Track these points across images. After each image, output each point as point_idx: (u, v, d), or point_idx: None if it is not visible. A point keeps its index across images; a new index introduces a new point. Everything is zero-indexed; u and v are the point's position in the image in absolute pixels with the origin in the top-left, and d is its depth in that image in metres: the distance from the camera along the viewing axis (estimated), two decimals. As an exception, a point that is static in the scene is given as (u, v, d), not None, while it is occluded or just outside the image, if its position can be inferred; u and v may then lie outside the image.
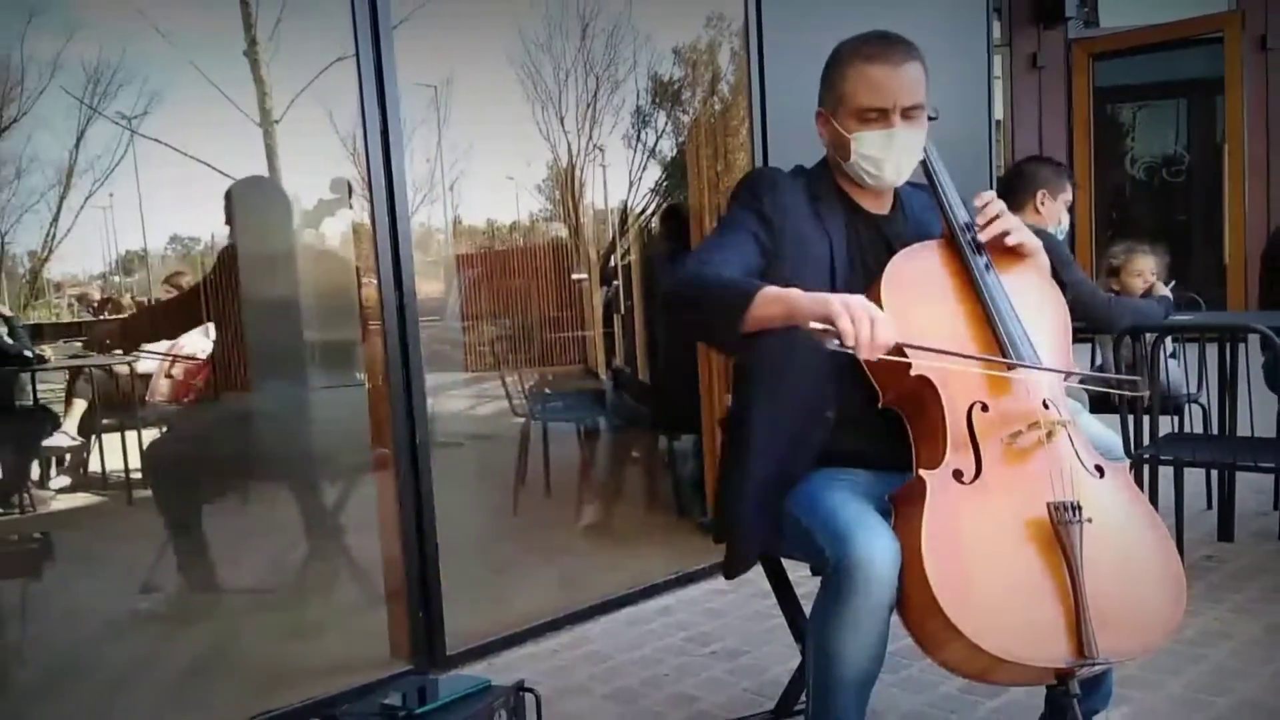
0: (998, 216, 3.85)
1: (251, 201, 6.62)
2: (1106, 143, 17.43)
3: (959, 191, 3.97)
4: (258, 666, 5.81)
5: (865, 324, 3.23)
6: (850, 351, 3.23)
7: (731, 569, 4.07)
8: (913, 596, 3.36)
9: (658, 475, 8.87)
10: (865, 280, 3.75)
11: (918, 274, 3.66)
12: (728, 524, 4.04)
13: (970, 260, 3.80)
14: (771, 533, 3.91)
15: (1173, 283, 6.91)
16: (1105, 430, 4.13)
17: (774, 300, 3.44)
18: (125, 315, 9.05)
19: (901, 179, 3.91)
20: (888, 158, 3.82)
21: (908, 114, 3.80)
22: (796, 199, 3.89)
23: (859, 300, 3.29)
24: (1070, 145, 16.42)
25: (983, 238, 3.83)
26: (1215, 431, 6.92)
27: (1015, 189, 6.56)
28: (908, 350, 3.46)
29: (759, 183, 3.99)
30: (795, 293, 3.43)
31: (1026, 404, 3.63)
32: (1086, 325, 6.35)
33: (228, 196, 6.49)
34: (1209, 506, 7.53)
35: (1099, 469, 3.66)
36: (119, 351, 8.65)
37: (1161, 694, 4.87)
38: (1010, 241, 3.85)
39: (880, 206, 4.04)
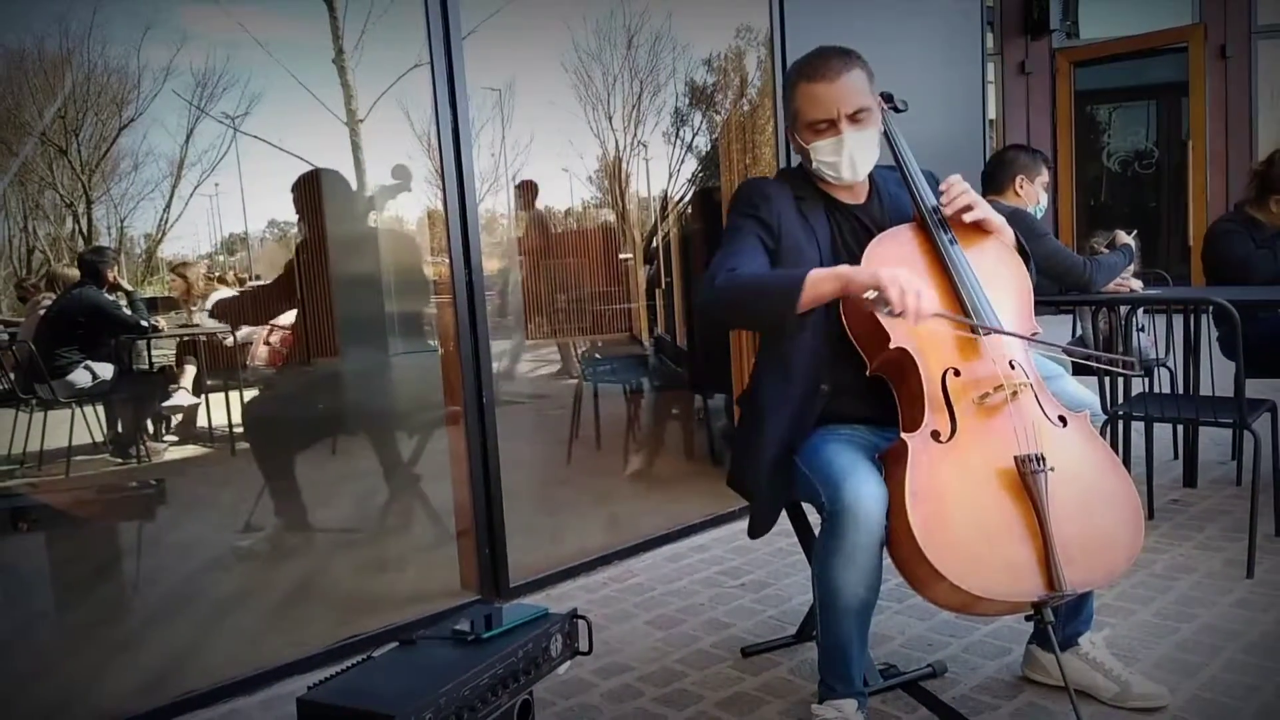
0: (962, 193, 3.89)
1: (325, 192, 6.64)
2: (1086, 139, 17.42)
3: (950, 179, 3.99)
4: (344, 596, 5.84)
5: (913, 295, 3.33)
6: (898, 316, 3.33)
7: (754, 530, 4.15)
8: (901, 545, 3.43)
9: (694, 429, 8.87)
10: (850, 264, 3.75)
11: (893, 255, 3.71)
12: (749, 490, 4.10)
13: (938, 239, 3.83)
14: (785, 494, 3.99)
15: (1134, 232, 6.89)
16: (1085, 391, 4.15)
17: (826, 279, 3.53)
18: (235, 294, 9.09)
19: (860, 175, 3.95)
20: (841, 160, 3.88)
21: (854, 118, 3.85)
22: (785, 204, 3.95)
23: (904, 273, 3.37)
24: (1054, 141, 16.41)
25: (946, 213, 3.88)
26: (1181, 391, 6.91)
27: (996, 175, 6.56)
28: (947, 316, 3.54)
29: (753, 194, 4.04)
30: (845, 268, 3.54)
31: (994, 368, 3.69)
32: (1068, 289, 6.36)
33: (300, 186, 6.52)
34: (1175, 457, 7.52)
35: (1062, 419, 3.71)
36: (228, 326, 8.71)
37: (1134, 620, 4.86)
38: (968, 218, 3.89)
39: (856, 197, 4.07)
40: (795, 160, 4.13)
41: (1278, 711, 3.97)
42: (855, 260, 3.77)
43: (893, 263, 3.66)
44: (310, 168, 6.79)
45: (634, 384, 9.11)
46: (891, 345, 3.62)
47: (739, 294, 3.75)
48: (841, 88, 3.82)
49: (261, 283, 8.84)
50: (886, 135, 4.07)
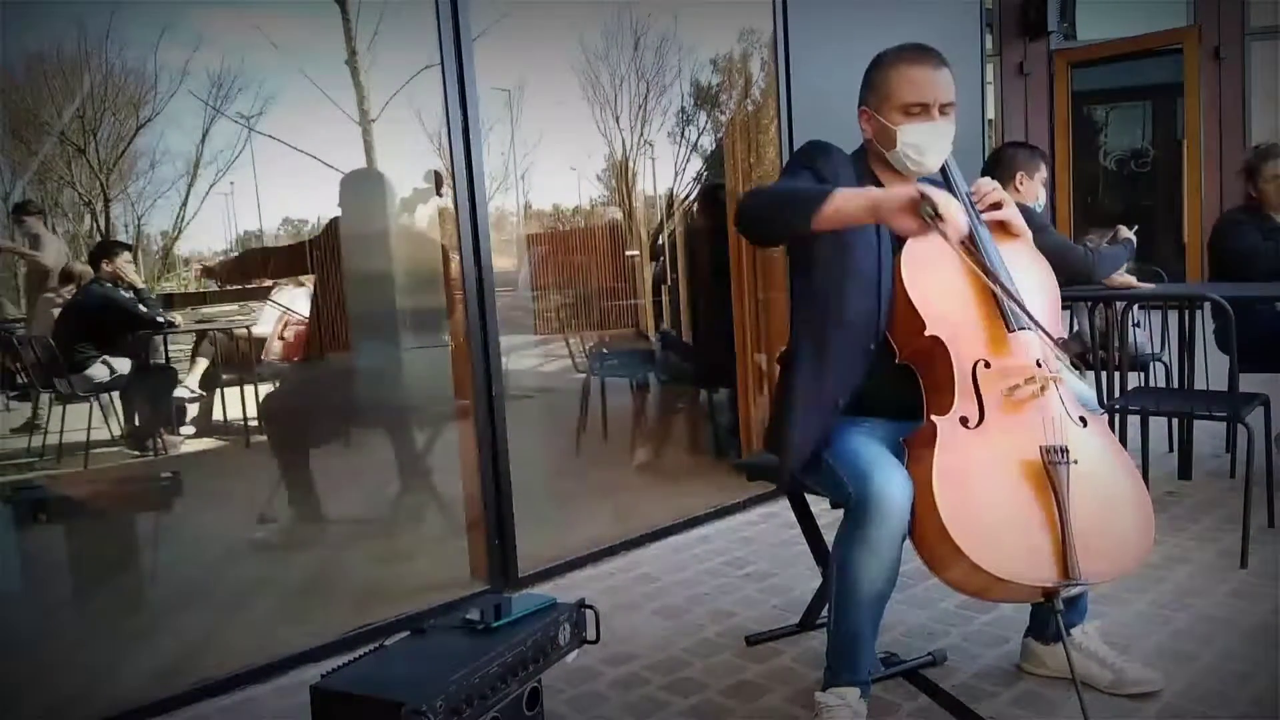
0: (992, 190, 3.95)
1: (356, 189, 6.66)
2: (1083, 139, 17.42)
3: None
4: (357, 587, 5.84)
5: (954, 206, 3.30)
6: (939, 222, 3.26)
7: (781, 479, 4.19)
8: (924, 524, 3.43)
9: (699, 423, 8.87)
10: (893, 252, 3.78)
11: (931, 253, 3.67)
12: (779, 440, 4.03)
13: (975, 229, 3.81)
14: (814, 445, 3.90)
15: (1135, 228, 6.89)
16: (1082, 385, 4.14)
17: (854, 196, 3.47)
18: (243, 252, 9.13)
19: (935, 166, 3.93)
20: (929, 146, 3.86)
21: (944, 110, 3.86)
22: (846, 168, 3.91)
23: (944, 193, 3.35)
24: (1051, 141, 16.42)
25: (980, 207, 3.89)
26: (1176, 385, 6.92)
27: (996, 172, 6.55)
28: (975, 256, 3.53)
29: (813, 149, 4.01)
30: (875, 190, 3.54)
31: (1023, 362, 3.70)
32: (1071, 278, 6.37)
33: (345, 184, 6.55)
34: (1170, 450, 7.51)
35: (1083, 419, 3.72)
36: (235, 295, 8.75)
37: (1130, 610, 4.87)
38: (997, 215, 3.93)
39: None
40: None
41: (1271, 699, 3.97)
42: (894, 252, 3.78)
43: (930, 260, 3.69)
44: (323, 166, 6.82)
45: (640, 378, 9.13)
46: (926, 333, 3.64)
47: (769, 198, 3.75)
48: (943, 78, 3.86)
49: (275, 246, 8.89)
50: None
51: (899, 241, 3.74)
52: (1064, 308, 7.18)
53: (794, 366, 4.01)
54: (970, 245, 3.47)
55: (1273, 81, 15.72)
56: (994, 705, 4.05)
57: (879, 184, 3.98)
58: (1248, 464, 5.60)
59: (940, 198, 3.26)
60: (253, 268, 7.92)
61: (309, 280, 7.14)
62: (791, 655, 4.64)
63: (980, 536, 3.33)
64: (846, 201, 3.44)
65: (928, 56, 3.87)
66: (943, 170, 3.98)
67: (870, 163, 4.05)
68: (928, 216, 3.24)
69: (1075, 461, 3.49)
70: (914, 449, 3.60)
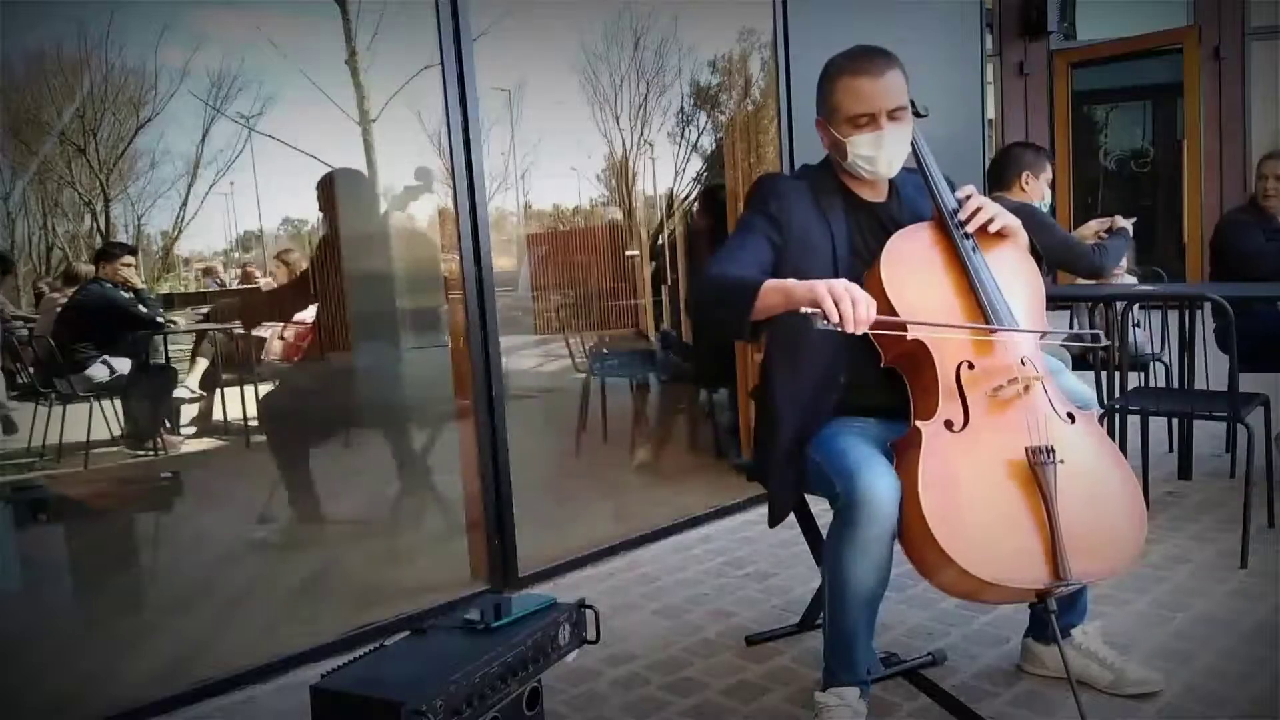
0: (980, 209, 3.89)
1: (344, 190, 6.65)
2: (1083, 139, 17.44)
3: (954, 178, 4.00)
4: (357, 587, 5.83)
5: (847, 303, 3.27)
6: (837, 329, 3.26)
7: (773, 518, 4.17)
8: (912, 529, 3.43)
9: (699, 423, 8.87)
10: (866, 262, 3.80)
11: (911, 252, 3.71)
12: (766, 481, 4.13)
13: (957, 240, 3.84)
14: (800, 483, 3.98)
15: (1134, 219, 6.89)
16: (1083, 385, 4.14)
17: (774, 291, 3.50)
18: (249, 288, 9.13)
19: (894, 171, 3.95)
20: (879, 155, 3.86)
21: (893, 115, 3.84)
22: (801, 199, 3.93)
23: (842, 283, 3.33)
24: (1052, 141, 16.43)
25: (969, 229, 3.87)
26: (1176, 385, 6.92)
27: (1002, 171, 6.61)
28: (888, 322, 3.48)
29: (766, 190, 4.03)
30: (791, 282, 3.49)
31: (1006, 362, 3.70)
32: (1080, 274, 6.38)
33: (324, 185, 6.51)
34: (1170, 450, 7.51)
35: (1071, 416, 3.72)
36: (239, 323, 8.72)
37: (1129, 610, 4.86)
38: (993, 228, 3.90)
39: (877, 195, 4.07)
40: (800, 159, 4.13)
41: (1271, 699, 3.97)
42: (872, 255, 3.80)
43: (911, 258, 3.73)
44: (323, 166, 6.82)
45: (640, 378, 9.13)
46: (908, 337, 3.62)
47: (714, 293, 3.75)
48: (886, 84, 3.83)
49: (276, 271, 8.90)
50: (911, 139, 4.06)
51: (862, 263, 3.80)
52: (1064, 308, 7.24)
53: (769, 406, 4.10)
54: (882, 327, 3.47)
55: (1273, 81, 15.74)
56: (994, 705, 4.05)
57: (846, 190, 4.03)
58: (1248, 464, 5.60)
59: (829, 302, 3.26)
60: (260, 310, 7.97)
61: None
62: (791, 655, 4.64)
63: (967, 541, 3.34)
64: (765, 298, 3.52)
65: (871, 64, 3.86)
66: (921, 173, 4.00)
67: (838, 172, 4.07)
68: (828, 326, 3.26)
69: (1062, 461, 3.49)
70: (900, 455, 3.61)
